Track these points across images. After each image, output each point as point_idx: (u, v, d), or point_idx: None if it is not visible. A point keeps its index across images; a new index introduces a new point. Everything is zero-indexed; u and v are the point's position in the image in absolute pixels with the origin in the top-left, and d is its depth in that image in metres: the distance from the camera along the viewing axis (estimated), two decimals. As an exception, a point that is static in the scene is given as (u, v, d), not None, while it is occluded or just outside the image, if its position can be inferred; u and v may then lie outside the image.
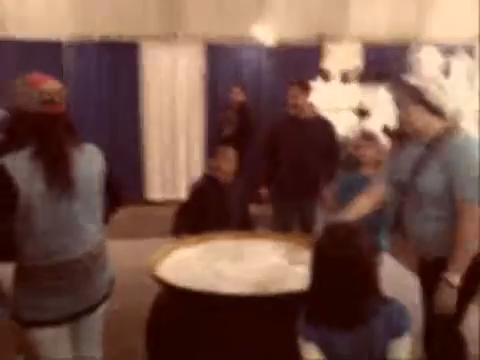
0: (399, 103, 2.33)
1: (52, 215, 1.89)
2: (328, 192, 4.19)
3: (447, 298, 2.13)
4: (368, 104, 7.28)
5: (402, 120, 2.36)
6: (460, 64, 7.45)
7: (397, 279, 3.47)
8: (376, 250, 1.71)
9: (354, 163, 3.51)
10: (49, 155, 1.88)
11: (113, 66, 7.24)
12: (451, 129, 2.24)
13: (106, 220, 2.18)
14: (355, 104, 7.30)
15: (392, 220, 3.21)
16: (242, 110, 6.27)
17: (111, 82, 7.28)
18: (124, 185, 6.54)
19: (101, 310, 2.14)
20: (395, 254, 4.38)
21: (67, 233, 1.94)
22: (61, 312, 1.96)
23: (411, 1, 7.48)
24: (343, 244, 1.60)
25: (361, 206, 2.53)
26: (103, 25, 7.09)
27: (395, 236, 3.46)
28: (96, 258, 2.06)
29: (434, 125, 2.26)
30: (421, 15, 7.59)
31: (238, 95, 6.35)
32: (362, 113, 7.12)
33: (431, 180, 2.21)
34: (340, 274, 1.58)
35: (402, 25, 7.57)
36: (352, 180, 3.42)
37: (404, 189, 2.34)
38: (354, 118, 7.19)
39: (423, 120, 2.26)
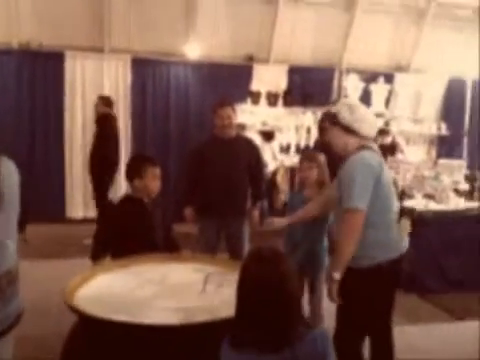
0: (324, 129, 2.72)
1: None
2: (256, 211, 4.24)
3: (329, 289, 2.50)
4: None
5: (329, 143, 2.69)
6: (379, 90, 7.87)
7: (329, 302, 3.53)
8: (299, 274, 1.75)
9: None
10: None
11: (36, 76, 6.97)
12: (359, 148, 2.56)
13: None
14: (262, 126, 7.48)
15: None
16: (100, 121, 6.15)
17: (32, 92, 6.97)
18: (43, 202, 6.23)
19: (10, 337, 2.00)
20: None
21: None
22: None
23: (333, 29, 7.79)
24: (268, 267, 1.60)
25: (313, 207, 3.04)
26: (28, 34, 6.83)
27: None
28: (15, 278, 1.96)
29: (351, 144, 2.58)
30: (344, 43, 7.93)
31: (98, 107, 6.23)
32: (267, 136, 7.31)
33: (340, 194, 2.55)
34: (265, 297, 1.58)
35: (325, 51, 7.88)
36: (296, 200, 3.52)
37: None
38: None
39: (340, 139, 2.60)
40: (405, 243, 2.64)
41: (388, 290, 2.61)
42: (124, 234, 2.97)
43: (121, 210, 3.13)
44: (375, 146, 2.65)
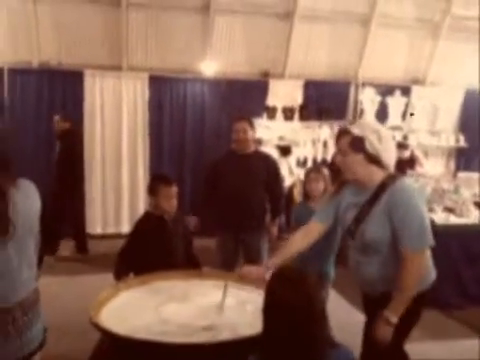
0: (341, 150, 2.38)
1: None
2: (274, 227, 4.24)
3: (384, 334, 2.25)
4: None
5: (344, 167, 2.41)
6: (396, 103, 7.85)
7: (342, 316, 3.51)
8: (324, 295, 1.73)
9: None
10: None
11: (55, 94, 7.10)
12: (392, 177, 2.33)
13: (39, 264, 2.05)
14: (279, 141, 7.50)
15: (338, 252, 3.38)
16: (63, 138, 6.11)
17: (52, 110, 7.08)
18: (65, 222, 6.20)
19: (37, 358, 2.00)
20: (340, 288, 4.47)
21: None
22: None
23: (349, 43, 7.82)
24: (295, 289, 1.60)
25: (295, 245, 2.60)
26: (47, 53, 7.00)
27: (340, 270, 3.56)
28: (31, 306, 1.94)
29: (376, 174, 2.34)
30: (359, 57, 7.95)
31: (58, 124, 6.16)
32: (284, 150, 7.31)
33: (375, 228, 2.30)
34: (293, 319, 1.57)
35: (341, 65, 7.91)
36: (302, 212, 3.52)
37: (351, 235, 2.41)
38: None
39: (364, 169, 2.34)
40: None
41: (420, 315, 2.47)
42: (145, 250, 3.00)
43: (142, 227, 3.17)
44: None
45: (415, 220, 2.23)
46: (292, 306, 1.58)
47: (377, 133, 2.30)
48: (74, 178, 6.18)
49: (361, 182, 2.38)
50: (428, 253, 2.39)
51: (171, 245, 3.10)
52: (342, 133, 2.39)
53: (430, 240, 2.27)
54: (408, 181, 2.37)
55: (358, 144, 2.30)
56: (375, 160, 2.31)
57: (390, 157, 2.35)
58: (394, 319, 2.23)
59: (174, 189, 3.19)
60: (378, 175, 2.34)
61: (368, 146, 2.29)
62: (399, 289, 2.24)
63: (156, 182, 3.23)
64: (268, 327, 1.65)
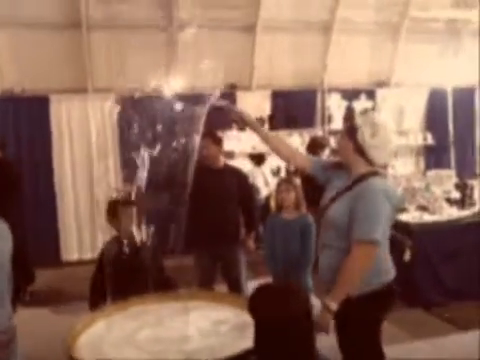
0: (342, 133, 2.51)
1: None
2: (250, 240, 4.23)
3: (324, 321, 2.25)
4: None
5: (338, 149, 2.59)
6: (362, 107, 7.96)
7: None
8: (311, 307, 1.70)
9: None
10: None
11: (20, 121, 6.97)
12: (371, 173, 2.38)
13: (14, 304, 2.01)
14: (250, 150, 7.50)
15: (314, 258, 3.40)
16: None
17: (18, 138, 6.96)
18: (37, 247, 6.08)
19: None
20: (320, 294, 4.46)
21: None
22: None
23: (312, 51, 7.93)
24: (288, 304, 1.58)
25: (282, 142, 2.86)
26: (10, 81, 6.88)
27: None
28: (7, 344, 1.91)
29: (360, 166, 2.40)
30: (323, 64, 8.05)
31: None
32: (258, 159, 7.34)
33: (338, 209, 2.37)
34: (286, 334, 1.54)
35: (306, 74, 7.99)
36: (275, 222, 3.54)
37: (323, 214, 2.49)
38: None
39: (352, 157, 2.41)
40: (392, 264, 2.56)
41: (384, 313, 2.48)
42: (112, 275, 2.94)
43: (107, 251, 3.14)
44: (384, 172, 2.58)
45: (369, 213, 2.28)
46: (285, 320, 1.55)
47: (374, 128, 2.35)
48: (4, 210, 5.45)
49: (348, 168, 2.45)
50: (380, 254, 2.39)
51: (140, 266, 3.06)
52: (347, 116, 2.55)
53: (378, 237, 2.29)
54: (381, 181, 2.41)
55: (351, 132, 2.39)
56: (361, 152, 2.37)
57: (379, 156, 2.38)
58: (333, 306, 2.24)
59: (132, 209, 3.18)
60: (362, 168, 2.40)
61: (359, 136, 2.35)
62: (340, 276, 2.27)
63: (113, 204, 3.28)
64: (260, 343, 1.60)
